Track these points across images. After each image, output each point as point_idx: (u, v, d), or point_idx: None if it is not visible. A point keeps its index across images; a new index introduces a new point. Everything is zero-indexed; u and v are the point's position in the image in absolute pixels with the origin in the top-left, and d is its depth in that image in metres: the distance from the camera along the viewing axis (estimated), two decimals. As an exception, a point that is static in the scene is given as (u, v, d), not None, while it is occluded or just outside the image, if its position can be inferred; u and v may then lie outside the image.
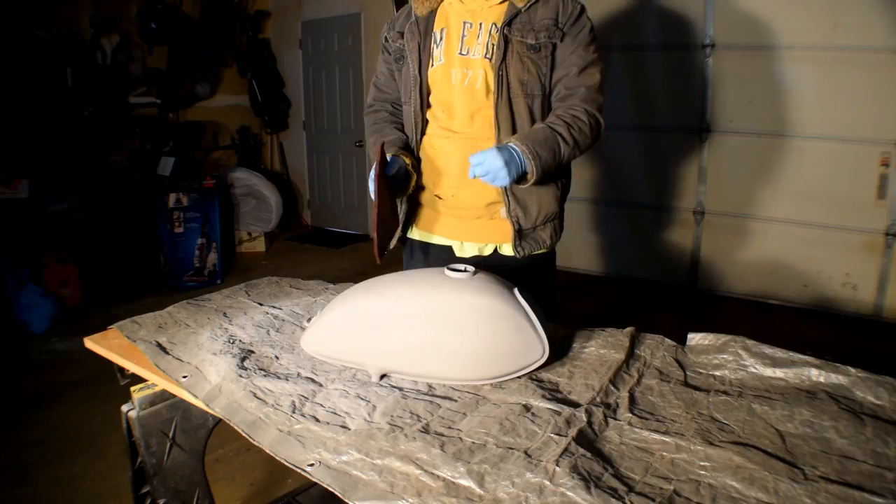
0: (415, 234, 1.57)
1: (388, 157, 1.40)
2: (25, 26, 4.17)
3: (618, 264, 4.22)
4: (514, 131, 1.39)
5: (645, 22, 3.84)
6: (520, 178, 1.31)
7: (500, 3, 1.39)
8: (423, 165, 1.49)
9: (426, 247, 1.55)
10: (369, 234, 5.18)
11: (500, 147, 1.28)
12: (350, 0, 5.34)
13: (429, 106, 1.47)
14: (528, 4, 1.37)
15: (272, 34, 5.97)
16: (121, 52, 4.78)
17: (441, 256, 1.52)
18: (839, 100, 3.36)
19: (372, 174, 1.32)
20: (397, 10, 1.58)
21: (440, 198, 1.49)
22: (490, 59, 1.38)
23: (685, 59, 3.76)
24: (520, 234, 1.44)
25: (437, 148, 1.46)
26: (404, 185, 1.45)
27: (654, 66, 3.86)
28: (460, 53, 1.41)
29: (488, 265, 1.32)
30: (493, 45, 1.38)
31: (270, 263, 4.93)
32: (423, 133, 1.49)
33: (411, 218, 1.56)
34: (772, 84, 3.55)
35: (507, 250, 1.47)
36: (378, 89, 1.61)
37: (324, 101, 5.82)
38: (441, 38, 1.43)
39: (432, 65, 1.43)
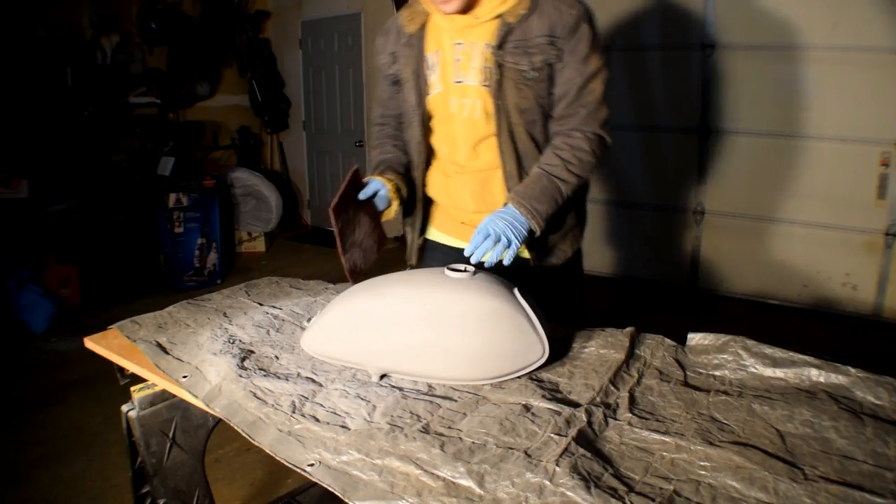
0: (433, 234, 1.56)
1: (367, 180, 1.37)
2: (25, 26, 4.17)
3: (618, 264, 4.22)
4: (518, 160, 1.35)
5: (645, 22, 3.84)
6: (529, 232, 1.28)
7: (491, 19, 1.29)
8: (437, 191, 1.48)
9: (445, 248, 1.54)
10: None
11: (489, 220, 1.24)
12: (350, 0, 5.34)
13: (432, 131, 1.43)
14: (521, 18, 1.27)
15: (272, 34, 5.97)
16: (121, 52, 4.78)
17: (461, 259, 1.52)
18: (839, 100, 3.36)
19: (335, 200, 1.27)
20: (397, 10, 1.55)
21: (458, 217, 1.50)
22: (488, 87, 1.31)
23: (685, 59, 3.76)
24: (538, 255, 1.44)
25: (451, 177, 1.44)
26: (384, 207, 1.41)
27: (655, 66, 3.86)
28: (456, 81, 1.34)
29: (509, 268, 1.31)
30: (488, 69, 1.29)
31: (270, 263, 4.93)
32: (428, 160, 1.45)
33: (429, 219, 1.55)
34: (772, 84, 3.55)
35: (527, 254, 1.45)
36: (383, 104, 1.55)
37: (324, 101, 5.82)
38: (436, 63, 1.35)
39: (429, 93, 1.37)
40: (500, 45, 1.28)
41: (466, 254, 1.21)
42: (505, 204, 1.28)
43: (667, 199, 4.00)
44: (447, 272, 1.10)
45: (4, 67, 4.01)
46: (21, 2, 4.15)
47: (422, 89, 1.38)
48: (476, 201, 1.43)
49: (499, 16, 1.28)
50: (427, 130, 1.42)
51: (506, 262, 1.22)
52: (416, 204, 1.51)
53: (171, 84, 5.10)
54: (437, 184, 1.48)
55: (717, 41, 3.64)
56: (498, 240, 1.21)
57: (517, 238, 1.22)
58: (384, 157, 1.46)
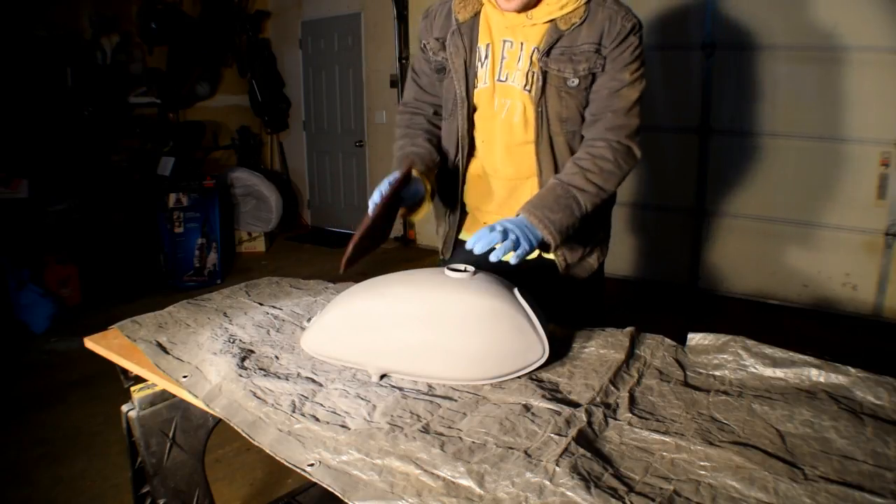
0: (465, 235, 1.53)
1: (414, 173, 1.30)
2: (25, 26, 4.17)
3: (618, 264, 4.22)
4: (556, 171, 1.31)
5: (645, 22, 3.83)
6: (542, 245, 1.20)
7: (544, 22, 1.26)
8: (468, 187, 1.45)
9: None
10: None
11: (499, 221, 1.17)
12: (350, 0, 5.34)
13: (474, 126, 1.39)
14: (573, 27, 1.24)
15: (272, 34, 5.97)
16: (121, 52, 4.79)
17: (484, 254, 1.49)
18: (839, 100, 3.37)
19: (382, 189, 1.20)
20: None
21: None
22: (529, 92, 1.29)
23: (685, 59, 3.76)
24: (567, 268, 1.41)
25: (482, 178, 1.42)
26: (413, 209, 1.35)
27: (655, 66, 3.86)
28: (499, 79, 1.31)
29: (531, 270, 1.27)
30: (532, 73, 1.27)
31: (270, 263, 4.93)
32: (468, 155, 1.41)
33: (462, 221, 1.52)
34: (772, 84, 3.55)
35: (551, 255, 1.41)
36: (420, 88, 1.47)
37: (324, 101, 5.82)
38: (486, 57, 1.31)
39: (476, 86, 1.33)
40: (548, 52, 1.25)
41: (469, 245, 1.13)
42: (517, 215, 1.22)
43: (667, 199, 4.00)
44: (447, 272, 1.10)
45: (4, 67, 4.01)
46: (21, 2, 4.16)
47: (470, 81, 1.33)
48: (500, 207, 1.42)
49: (552, 20, 1.25)
50: (471, 125, 1.38)
51: (512, 262, 1.14)
52: (457, 198, 1.47)
53: (171, 84, 5.10)
54: (468, 179, 1.46)
55: (716, 41, 3.64)
56: (505, 237, 1.13)
57: (526, 242, 1.15)
58: (417, 151, 1.39)
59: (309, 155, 6.10)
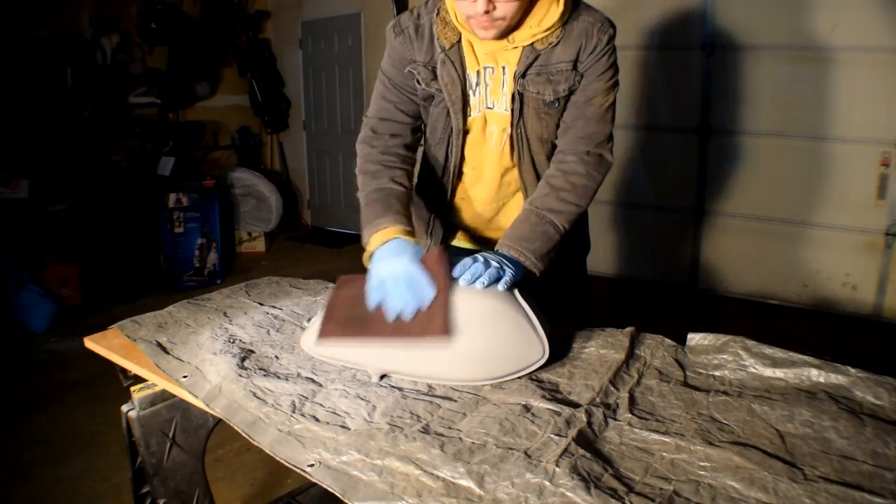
0: (458, 242, 1.54)
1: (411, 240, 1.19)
2: (25, 26, 4.17)
3: (617, 264, 4.23)
4: None
5: (645, 22, 3.84)
6: (526, 275, 1.17)
7: (525, 45, 1.22)
8: (456, 205, 1.46)
9: (455, 248, 1.53)
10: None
11: (482, 255, 1.14)
12: (350, 0, 5.34)
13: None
14: (549, 46, 1.21)
15: (272, 34, 5.97)
16: (121, 52, 4.79)
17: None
18: (839, 100, 3.37)
19: (418, 279, 1.06)
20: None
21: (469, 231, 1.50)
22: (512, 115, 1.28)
23: (685, 59, 3.77)
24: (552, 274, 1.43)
25: (465, 200, 1.43)
26: None
27: (655, 66, 3.87)
28: (487, 107, 1.29)
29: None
30: (513, 95, 1.26)
31: (270, 263, 4.93)
32: (458, 180, 1.40)
33: (452, 233, 1.53)
34: (772, 84, 3.55)
35: None
36: (407, 98, 1.35)
37: (324, 101, 5.82)
38: (476, 84, 1.28)
39: (470, 114, 1.30)
40: (524, 73, 1.24)
41: (455, 275, 1.08)
42: (495, 250, 1.19)
43: (667, 199, 4.00)
44: (447, 272, 1.10)
45: (4, 67, 4.02)
46: (21, 2, 4.16)
47: (467, 111, 1.30)
48: (487, 224, 1.44)
49: (531, 42, 1.22)
50: (463, 154, 1.36)
51: (500, 288, 1.08)
52: (440, 217, 1.48)
53: (171, 84, 5.10)
54: (455, 201, 1.46)
55: (716, 41, 3.64)
56: (488, 266, 1.09)
57: (511, 271, 1.11)
58: (398, 191, 1.28)
59: (309, 155, 6.10)
